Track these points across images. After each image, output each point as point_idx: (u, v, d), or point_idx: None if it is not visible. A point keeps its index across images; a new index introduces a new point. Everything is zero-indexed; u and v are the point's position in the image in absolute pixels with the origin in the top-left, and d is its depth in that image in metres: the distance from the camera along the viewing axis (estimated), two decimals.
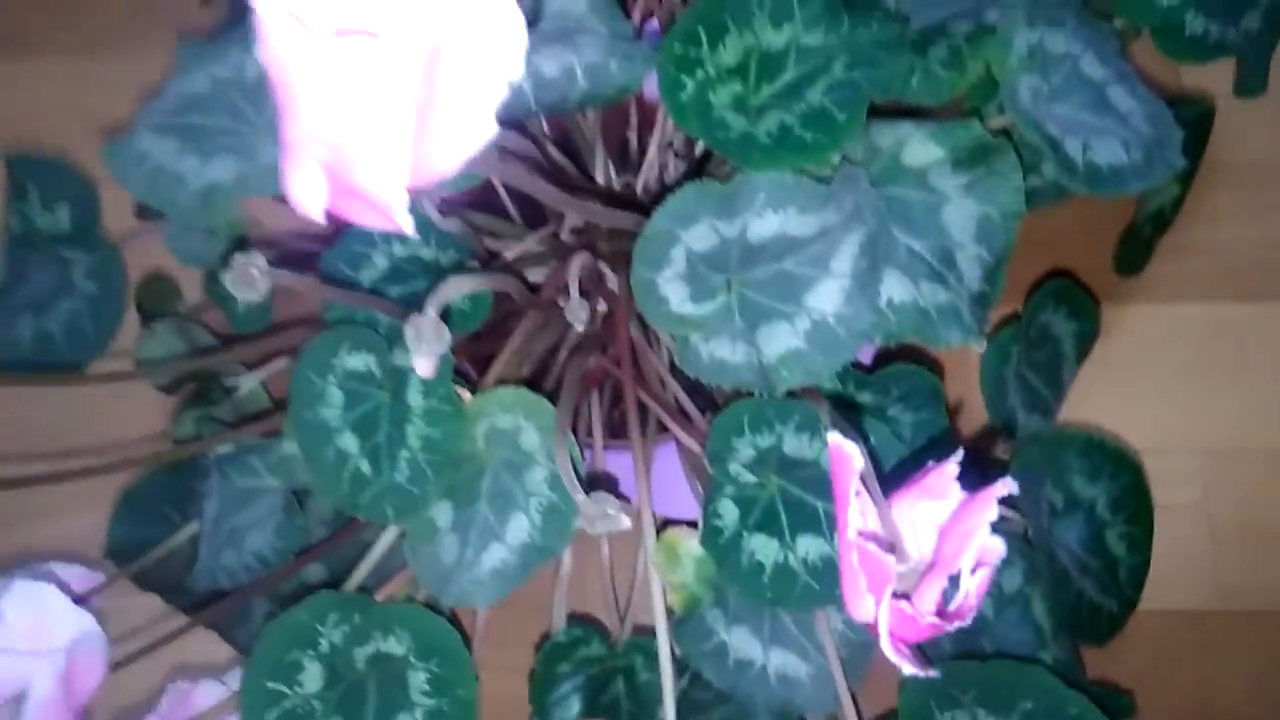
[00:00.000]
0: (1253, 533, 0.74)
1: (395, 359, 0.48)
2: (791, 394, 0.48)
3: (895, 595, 0.38)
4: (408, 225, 0.30)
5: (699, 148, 0.62)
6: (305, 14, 0.28)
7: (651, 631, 0.57)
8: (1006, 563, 0.57)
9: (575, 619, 0.59)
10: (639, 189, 0.64)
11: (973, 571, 0.39)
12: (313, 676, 0.49)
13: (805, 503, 0.50)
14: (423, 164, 0.29)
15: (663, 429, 0.60)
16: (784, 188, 0.45)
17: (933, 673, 0.39)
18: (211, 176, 0.51)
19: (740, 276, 0.47)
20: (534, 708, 0.57)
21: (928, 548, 0.38)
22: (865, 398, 0.53)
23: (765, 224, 0.46)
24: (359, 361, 0.49)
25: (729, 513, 0.50)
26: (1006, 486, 0.38)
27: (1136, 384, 0.75)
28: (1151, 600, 0.62)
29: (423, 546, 0.49)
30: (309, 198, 0.30)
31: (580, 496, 0.44)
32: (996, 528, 0.39)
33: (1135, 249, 0.66)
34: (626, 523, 0.44)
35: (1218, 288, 0.77)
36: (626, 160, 0.66)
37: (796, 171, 0.45)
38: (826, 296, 0.46)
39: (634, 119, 0.65)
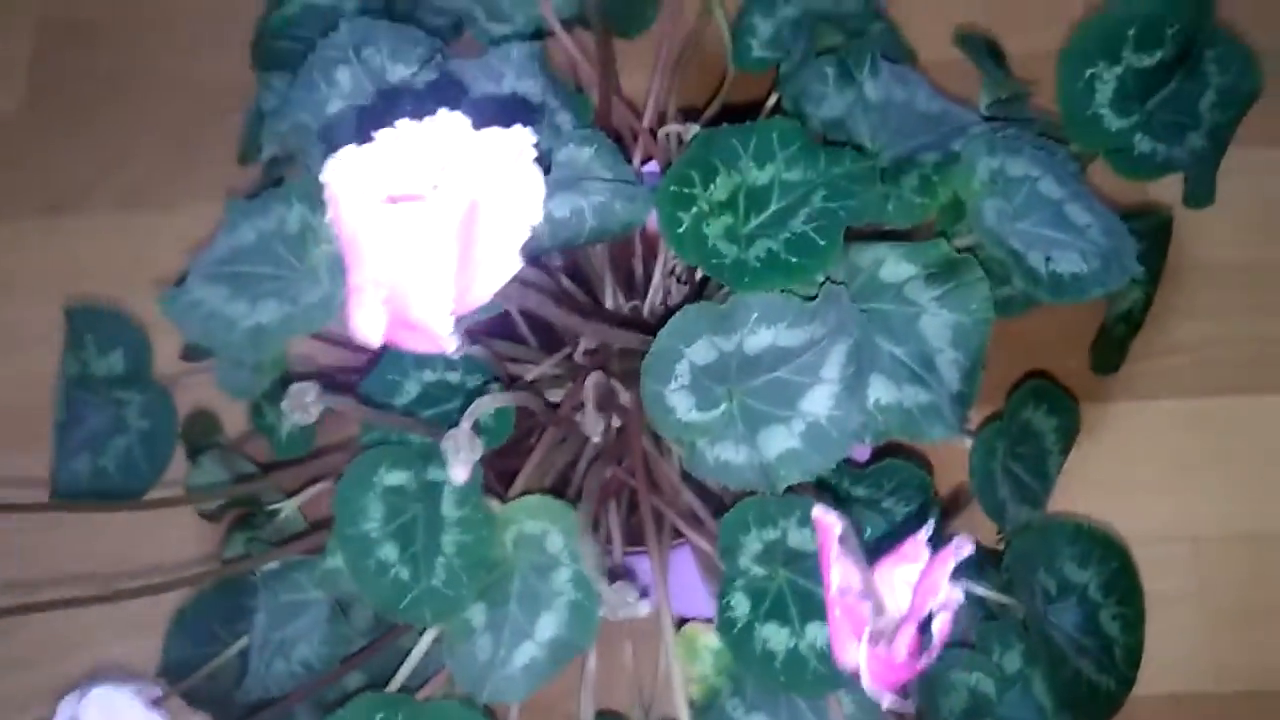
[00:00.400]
0: (1245, 615, 0.77)
1: (429, 475, 0.53)
2: (791, 490, 0.53)
3: (875, 642, 0.42)
4: (452, 347, 0.35)
5: (698, 273, 0.68)
6: (363, 185, 0.33)
7: None
8: (1005, 645, 0.62)
9: (601, 715, 0.62)
10: (645, 312, 0.70)
11: (936, 613, 0.43)
12: None
13: (811, 592, 0.54)
14: (462, 296, 0.34)
15: (677, 534, 0.64)
16: (774, 306, 0.50)
17: (909, 705, 0.43)
18: (258, 319, 0.56)
19: (739, 386, 0.52)
20: None
21: (904, 603, 0.43)
22: (860, 491, 0.58)
23: (759, 338, 0.51)
24: (397, 478, 0.54)
25: (741, 604, 0.55)
26: (962, 544, 0.42)
27: (1122, 478, 0.80)
28: (1150, 685, 0.66)
29: (459, 646, 0.53)
30: (370, 329, 0.35)
31: (603, 585, 0.48)
32: (968, 591, 0.44)
33: (1109, 349, 0.71)
34: (646, 609, 0.49)
35: (1194, 383, 0.82)
36: (633, 287, 0.71)
37: (785, 291, 0.50)
38: (818, 401, 0.51)
39: (639, 249, 0.71)
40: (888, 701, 0.43)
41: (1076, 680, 0.62)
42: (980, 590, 0.61)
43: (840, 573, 0.43)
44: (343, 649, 0.58)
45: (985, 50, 0.70)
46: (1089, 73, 0.62)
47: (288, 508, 0.65)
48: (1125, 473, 0.80)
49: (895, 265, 0.53)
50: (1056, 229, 0.58)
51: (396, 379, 0.58)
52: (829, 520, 0.43)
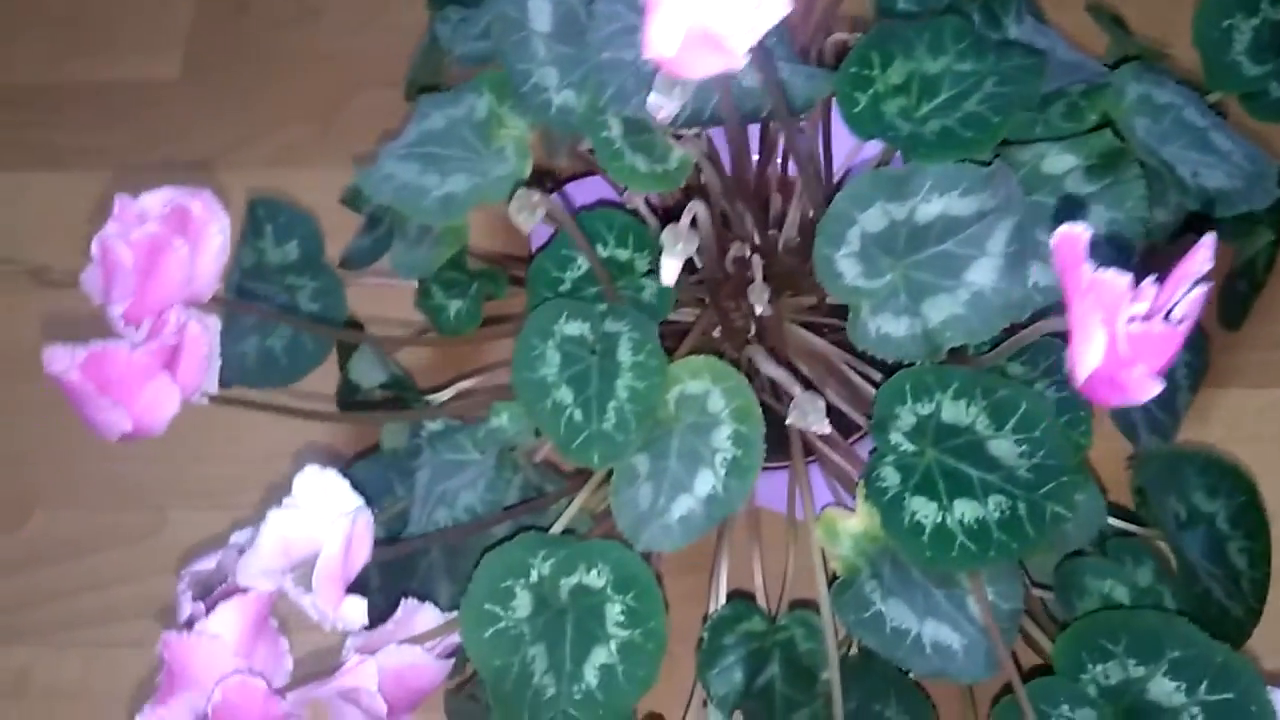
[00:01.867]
0: None
1: (606, 327, 0.57)
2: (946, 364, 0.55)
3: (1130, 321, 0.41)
4: (741, 64, 0.39)
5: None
6: None
7: (807, 607, 0.62)
8: (1138, 560, 0.63)
9: (734, 595, 0.64)
10: (780, 245, 0.73)
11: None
12: (523, 603, 0.55)
13: (960, 471, 0.56)
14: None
15: (808, 453, 0.67)
16: (948, 173, 0.53)
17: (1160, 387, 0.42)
18: (449, 189, 0.60)
19: (905, 259, 0.55)
20: (700, 679, 0.61)
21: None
22: (1015, 369, 0.60)
23: (930, 207, 0.54)
24: (575, 328, 0.57)
25: (891, 477, 0.57)
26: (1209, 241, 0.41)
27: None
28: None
29: (624, 490, 0.56)
30: (665, 44, 0.39)
31: (796, 389, 0.49)
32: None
33: (1233, 302, 0.73)
34: (827, 427, 0.51)
35: None
36: (768, 222, 0.75)
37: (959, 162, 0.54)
38: (983, 272, 0.54)
39: (774, 186, 0.75)
40: (1148, 390, 0.41)
41: (1207, 600, 0.63)
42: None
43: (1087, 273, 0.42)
44: (506, 497, 0.60)
45: (1111, 19, 0.74)
46: (1226, 24, 0.66)
47: (443, 396, 0.68)
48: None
49: (1057, 158, 0.57)
50: (1202, 151, 0.61)
51: (569, 254, 0.61)
52: (1075, 230, 0.42)
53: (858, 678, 0.61)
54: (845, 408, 0.67)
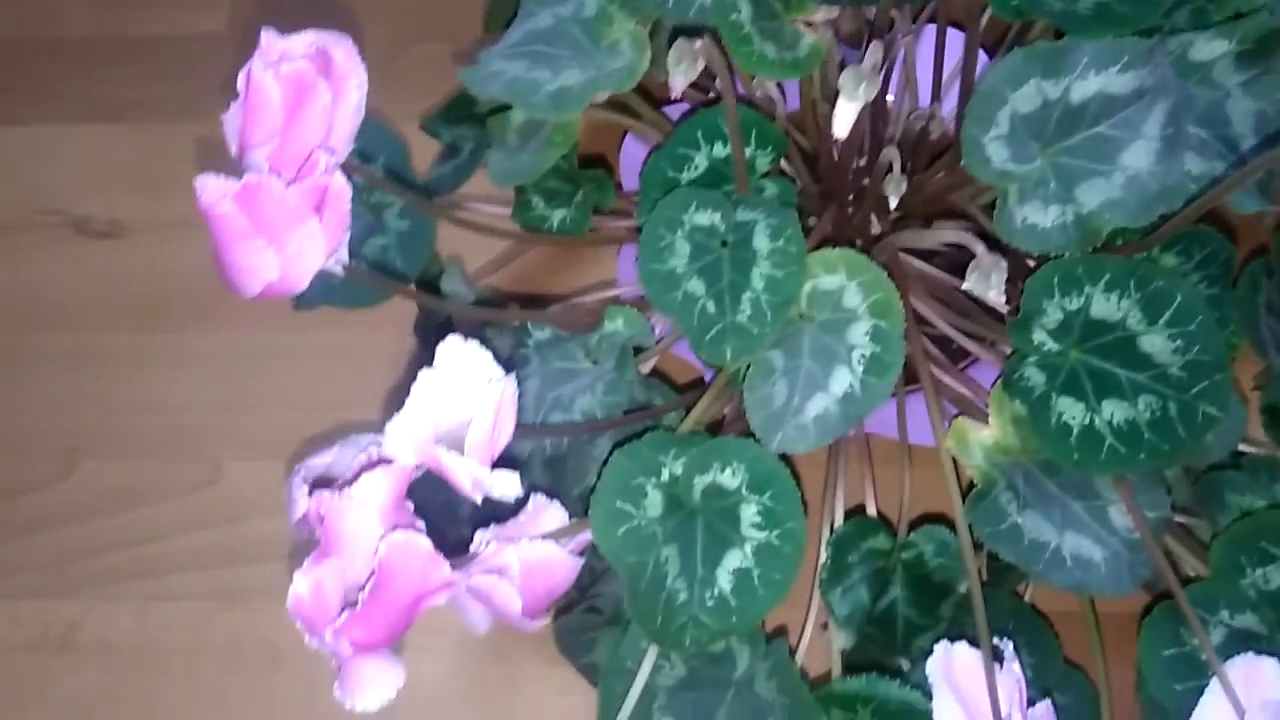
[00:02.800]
0: None
1: (740, 215, 0.54)
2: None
3: None
4: None
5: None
6: None
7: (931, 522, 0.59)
8: (1274, 477, 0.60)
9: (852, 513, 0.61)
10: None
11: None
12: (654, 503, 0.52)
13: (1107, 371, 0.54)
14: None
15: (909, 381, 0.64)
16: (1107, 48, 0.51)
17: None
18: (561, 83, 0.58)
19: (1056, 145, 0.53)
20: (824, 598, 0.58)
21: None
22: (1169, 260, 0.58)
23: (1087, 85, 0.52)
24: (705, 218, 0.54)
25: (1035, 376, 0.54)
26: None
27: None
28: None
29: (758, 387, 0.53)
30: None
31: (979, 247, 0.46)
32: None
33: None
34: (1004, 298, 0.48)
35: None
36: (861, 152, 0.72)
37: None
38: (1139, 156, 0.52)
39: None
40: None
41: None
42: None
43: None
44: (627, 397, 0.57)
45: None
46: None
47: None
48: None
49: (1207, 44, 0.54)
50: None
51: (687, 153, 0.58)
52: None
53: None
54: (954, 334, 0.65)
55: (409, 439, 0.45)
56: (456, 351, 0.46)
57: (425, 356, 0.51)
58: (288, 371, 0.86)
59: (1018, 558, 0.55)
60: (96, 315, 0.89)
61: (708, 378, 0.63)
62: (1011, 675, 0.50)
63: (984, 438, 0.57)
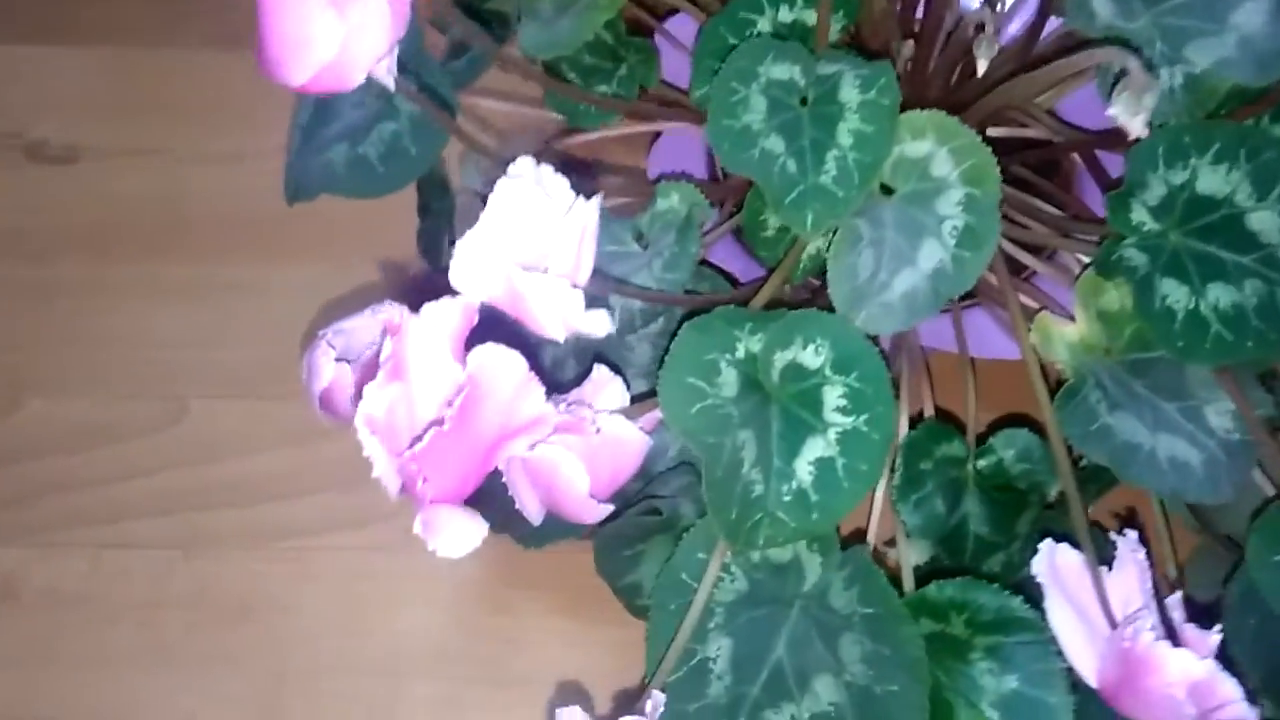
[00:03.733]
0: None
1: (821, 69, 0.49)
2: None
3: None
4: None
5: None
6: None
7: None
8: None
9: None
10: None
11: None
12: (729, 381, 0.46)
13: (1211, 254, 0.49)
14: None
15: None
16: None
17: None
18: None
19: (1162, 5, 0.49)
20: (895, 509, 0.53)
21: None
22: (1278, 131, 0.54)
23: None
24: (783, 71, 0.49)
25: (1136, 257, 0.50)
26: None
27: None
28: None
29: (845, 255, 0.47)
30: None
31: (1132, 62, 0.41)
32: None
33: None
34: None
35: None
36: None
37: None
38: (1250, 16, 0.48)
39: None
40: None
41: None
42: None
43: None
44: (689, 272, 0.51)
45: None
46: None
47: None
48: None
49: None
50: None
51: (749, 16, 0.53)
52: None
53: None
54: (1009, 246, 0.60)
55: (481, 267, 0.38)
56: (529, 176, 0.39)
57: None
58: (259, 306, 0.78)
59: (1111, 459, 0.50)
60: (48, 245, 0.81)
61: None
62: (1135, 567, 0.44)
63: (1069, 334, 0.52)
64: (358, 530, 0.72)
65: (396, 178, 0.59)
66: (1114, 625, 0.44)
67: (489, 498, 0.61)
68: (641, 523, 0.51)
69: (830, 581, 0.49)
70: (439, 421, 0.36)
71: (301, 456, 0.74)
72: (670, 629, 0.49)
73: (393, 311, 0.38)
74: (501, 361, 0.37)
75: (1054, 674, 0.47)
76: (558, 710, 0.45)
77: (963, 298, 0.59)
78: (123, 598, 0.70)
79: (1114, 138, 0.51)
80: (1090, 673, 0.45)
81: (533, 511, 0.43)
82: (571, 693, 0.66)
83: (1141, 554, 0.45)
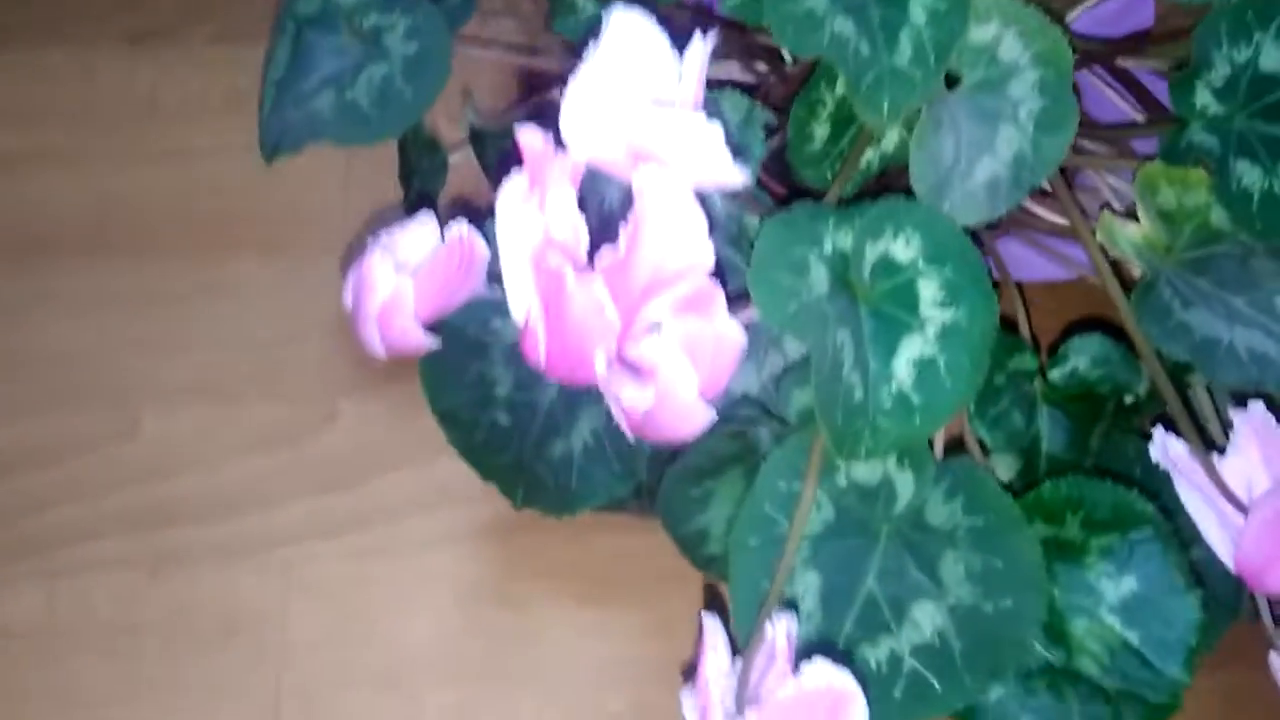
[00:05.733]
0: None
1: None
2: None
3: None
4: None
5: None
6: None
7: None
8: None
9: None
10: None
11: None
12: (819, 279, 0.42)
13: (1274, 136, 0.48)
14: None
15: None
16: None
17: None
18: None
19: None
20: (973, 425, 0.49)
21: None
22: None
23: None
24: None
25: (1207, 140, 0.48)
26: None
27: None
28: None
29: (929, 140, 0.44)
30: None
31: None
32: None
33: None
34: None
35: None
36: None
37: None
38: None
39: None
40: None
41: None
42: None
43: None
44: (755, 175, 0.47)
45: None
46: None
47: None
48: None
49: None
50: None
51: None
52: None
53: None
54: None
55: (598, 110, 0.33)
56: (632, 25, 0.35)
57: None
58: (208, 307, 0.72)
59: (1193, 355, 0.48)
60: None
61: None
62: (1258, 441, 0.42)
63: (1131, 233, 0.50)
64: (348, 535, 0.65)
65: (391, 122, 0.55)
66: (1241, 509, 0.41)
67: (514, 469, 0.56)
68: (715, 450, 0.47)
69: (926, 499, 0.45)
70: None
71: (276, 461, 0.67)
72: (754, 568, 0.45)
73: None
74: (668, 185, 0.32)
75: (1176, 571, 0.44)
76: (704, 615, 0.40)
77: (990, 226, 0.57)
78: (85, 628, 0.62)
79: (1135, 44, 0.50)
80: (1228, 556, 0.42)
81: (627, 420, 0.38)
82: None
83: (1272, 423, 0.42)
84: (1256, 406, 0.43)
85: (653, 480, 0.52)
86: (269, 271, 0.72)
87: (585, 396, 0.52)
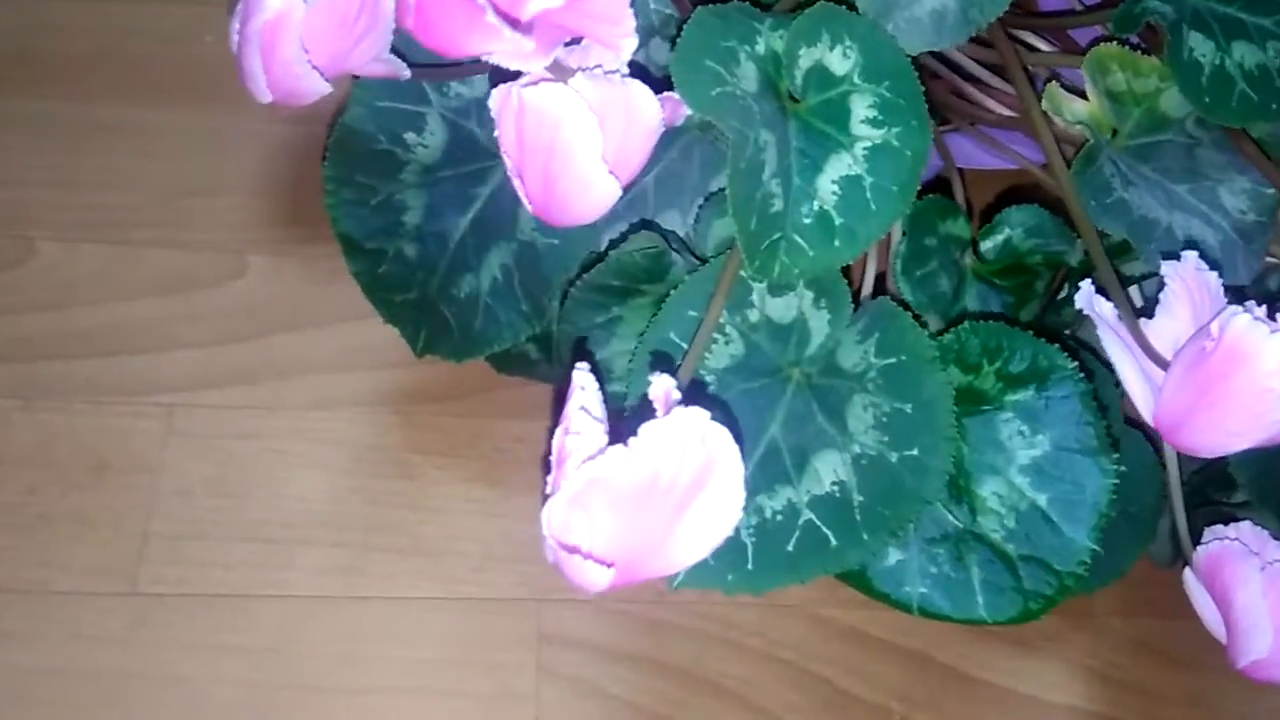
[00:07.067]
0: None
1: None
2: None
3: None
4: None
5: None
6: None
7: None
8: None
9: None
10: None
11: None
12: (748, 75, 0.40)
13: (1232, 17, 0.46)
14: None
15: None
16: None
17: None
18: None
19: None
20: (899, 284, 0.47)
21: None
22: None
23: None
24: None
25: (1161, 7, 0.46)
26: None
27: None
28: None
29: None
30: None
31: None
32: None
33: None
34: None
35: None
36: None
37: None
38: None
39: None
40: None
41: None
42: None
43: None
44: None
45: None
46: None
47: None
48: None
49: None
50: None
51: None
52: None
53: None
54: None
55: None
56: None
57: None
58: (127, 149, 0.68)
59: (1130, 233, 0.46)
60: None
61: None
62: (1188, 299, 0.40)
63: (1078, 108, 0.49)
64: (238, 388, 0.62)
65: None
66: (1164, 366, 0.39)
67: (418, 307, 0.53)
68: (626, 267, 0.44)
69: (840, 340, 0.43)
70: None
71: (172, 306, 0.64)
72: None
73: None
74: None
75: (1092, 432, 0.42)
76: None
77: (940, 123, 0.55)
78: None
79: None
80: (1147, 411, 0.40)
81: (526, 193, 0.35)
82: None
83: (1208, 276, 0.40)
84: (1189, 255, 0.41)
85: (561, 334, 0.50)
86: (195, 119, 0.69)
87: (498, 226, 0.49)
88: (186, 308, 0.64)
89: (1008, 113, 0.55)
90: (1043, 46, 0.55)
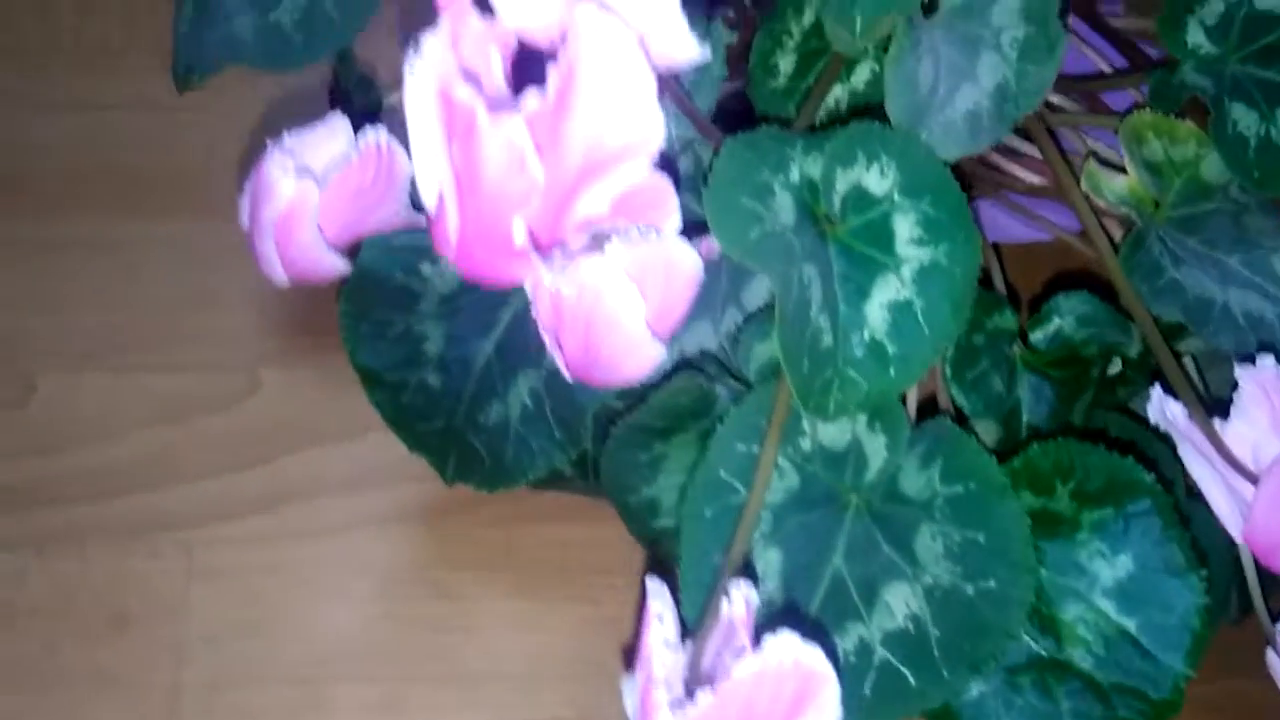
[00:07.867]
0: None
1: None
2: None
3: None
4: None
5: None
6: None
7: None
8: None
9: None
10: None
11: None
12: (785, 207, 0.38)
13: (1273, 82, 0.44)
14: None
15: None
16: None
17: None
18: None
19: None
20: (949, 389, 0.45)
21: None
22: None
23: None
24: None
25: (1200, 80, 0.44)
26: None
27: None
28: None
29: (905, 60, 0.40)
30: None
31: None
32: None
33: None
34: None
35: None
36: None
37: None
38: None
39: None
40: None
41: None
42: None
43: None
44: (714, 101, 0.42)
45: None
46: None
47: None
48: None
49: None
50: None
51: None
52: None
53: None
54: None
55: None
56: None
57: None
58: (109, 266, 0.66)
59: (1185, 316, 0.44)
60: None
61: None
62: (1267, 401, 0.38)
63: (1118, 185, 0.46)
64: (258, 516, 0.60)
65: (316, 47, 0.50)
66: (1249, 477, 0.37)
67: (445, 436, 0.51)
68: (668, 407, 0.42)
69: (899, 465, 0.41)
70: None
71: (180, 434, 0.62)
72: (708, 541, 0.40)
73: None
74: (610, 28, 0.26)
75: (1178, 549, 0.40)
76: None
77: (966, 189, 0.53)
78: None
79: None
80: (1236, 529, 0.37)
81: (567, 358, 0.33)
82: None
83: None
84: (1266, 362, 0.39)
85: (598, 452, 0.47)
86: (178, 229, 0.67)
87: (524, 352, 0.47)
88: (195, 434, 0.62)
89: (1037, 180, 0.53)
90: (1067, 106, 0.53)
